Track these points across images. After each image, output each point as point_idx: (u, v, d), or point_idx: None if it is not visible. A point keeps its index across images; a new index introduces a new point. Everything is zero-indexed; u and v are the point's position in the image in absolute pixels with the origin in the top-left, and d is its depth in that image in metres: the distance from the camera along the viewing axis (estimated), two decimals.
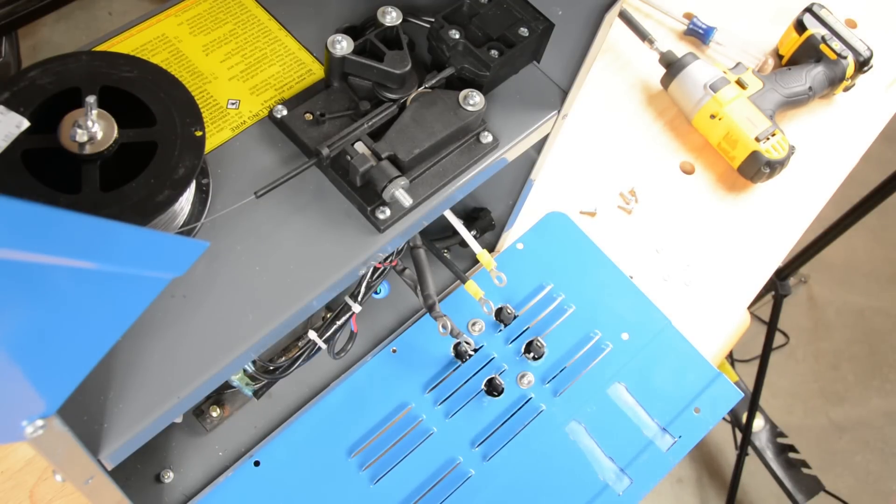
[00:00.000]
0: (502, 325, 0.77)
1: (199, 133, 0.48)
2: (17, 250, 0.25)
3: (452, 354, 0.75)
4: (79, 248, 0.28)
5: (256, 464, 0.68)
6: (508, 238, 0.82)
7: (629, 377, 0.76)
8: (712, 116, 0.93)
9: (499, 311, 0.77)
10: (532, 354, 0.76)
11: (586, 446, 0.73)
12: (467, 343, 0.74)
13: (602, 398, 0.75)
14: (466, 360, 0.74)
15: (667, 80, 0.97)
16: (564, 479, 0.71)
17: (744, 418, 1.51)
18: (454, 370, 0.74)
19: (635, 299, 0.81)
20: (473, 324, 0.77)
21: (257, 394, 0.67)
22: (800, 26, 1.00)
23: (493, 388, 0.74)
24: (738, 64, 0.97)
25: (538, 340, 0.76)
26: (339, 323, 0.65)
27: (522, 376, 0.75)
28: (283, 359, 0.65)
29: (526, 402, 0.74)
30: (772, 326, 1.56)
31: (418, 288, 0.68)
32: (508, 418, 0.73)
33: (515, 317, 0.77)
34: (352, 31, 0.58)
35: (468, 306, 0.77)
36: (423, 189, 0.55)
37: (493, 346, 0.76)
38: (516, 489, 0.70)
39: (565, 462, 0.72)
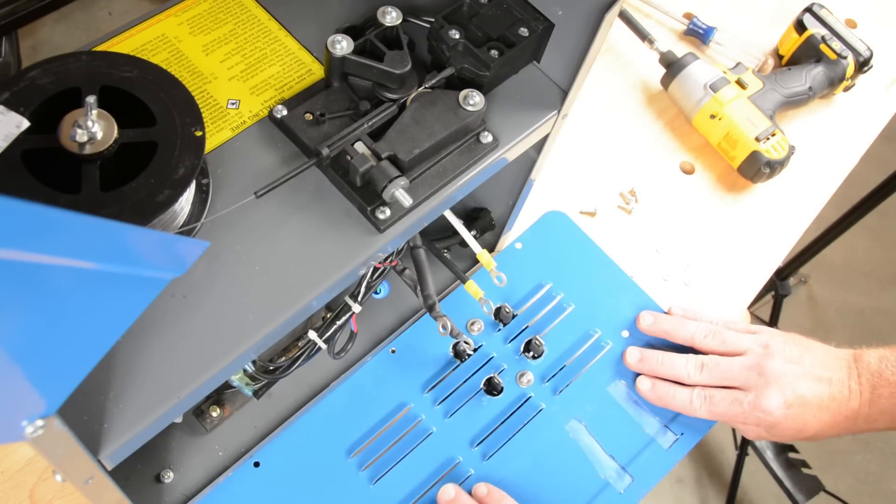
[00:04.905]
0: (501, 325, 0.77)
1: (199, 133, 0.48)
2: (17, 250, 0.25)
3: (451, 354, 0.75)
4: (79, 248, 0.28)
5: (256, 464, 0.68)
6: (508, 238, 0.82)
7: (630, 375, 0.76)
8: (712, 116, 0.93)
9: (497, 311, 0.77)
10: (531, 353, 0.76)
11: (587, 444, 0.73)
12: (466, 343, 0.74)
13: (602, 396, 0.75)
14: (465, 359, 0.74)
15: (667, 80, 0.97)
16: (565, 477, 0.71)
17: None
18: (453, 370, 0.74)
19: (636, 297, 0.81)
20: (472, 323, 0.77)
21: (257, 394, 0.67)
22: (800, 26, 1.00)
23: (492, 388, 0.73)
24: (738, 64, 0.97)
25: (537, 339, 0.76)
26: (339, 323, 0.65)
27: (522, 375, 0.75)
28: (283, 359, 0.65)
29: (525, 401, 0.74)
30: (772, 326, 1.56)
31: (418, 288, 0.68)
32: (508, 417, 0.73)
33: (514, 316, 0.77)
34: (352, 31, 0.58)
35: (468, 306, 0.77)
36: (423, 189, 0.55)
37: (492, 346, 0.76)
38: (516, 488, 0.70)
39: (566, 460, 0.72)
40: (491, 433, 0.72)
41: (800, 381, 0.71)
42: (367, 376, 0.73)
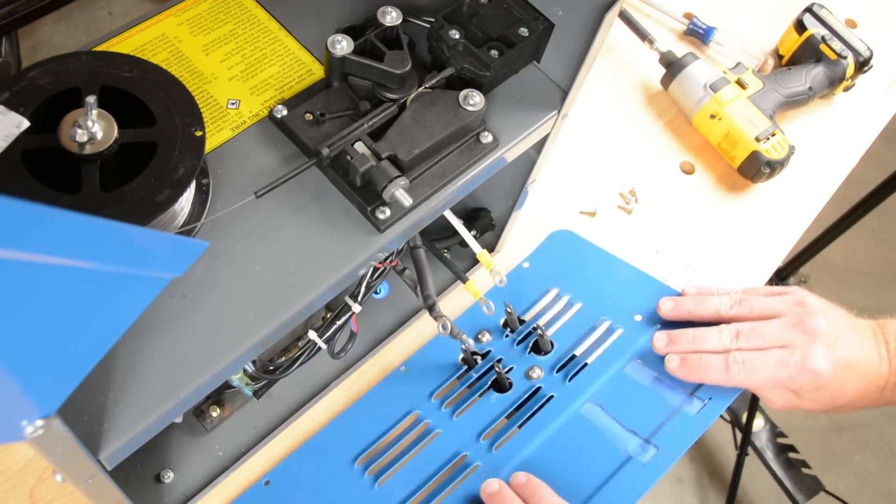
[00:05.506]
0: (508, 331, 0.76)
1: (199, 133, 0.48)
2: (18, 250, 0.25)
3: (460, 363, 0.74)
4: (79, 248, 0.28)
5: (267, 483, 0.68)
6: (509, 239, 0.82)
7: (647, 353, 0.74)
8: (712, 116, 0.93)
9: (505, 323, 0.77)
10: (541, 352, 0.75)
11: (604, 424, 0.70)
12: (469, 346, 0.73)
13: (618, 377, 0.73)
14: (475, 365, 0.74)
15: (667, 80, 0.97)
16: (582, 458, 0.69)
17: (744, 418, 1.51)
18: (461, 375, 0.73)
19: (647, 284, 0.79)
20: (481, 334, 0.76)
21: (257, 394, 0.67)
22: (800, 26, 1.00)
23: (500, 387, 0.73)
24: (738, 64, 0.97)
25: (541, 330, 0.74)
26: (339, 323, 0.65)
27: (531, 370, 0.74)
28: (283, 359, 0.65)
29: (535, 392, 0.72)
30: None
31: (418, 288, 0.68)
32: (516, 409, 0.71)
33: (522, 321, 0.76)
34: (352, 31, 0.58)
35: (476, 320, 0.77)
36: (423, 189, 0.55)
37: (501, 350, 0.75)
38: (529, 472, 0.67)
39: (582, 442, 0.69)
40: (498, 425, 0.70)
41: (840, 342, 0.67)
42: (378, 394, 0.73)
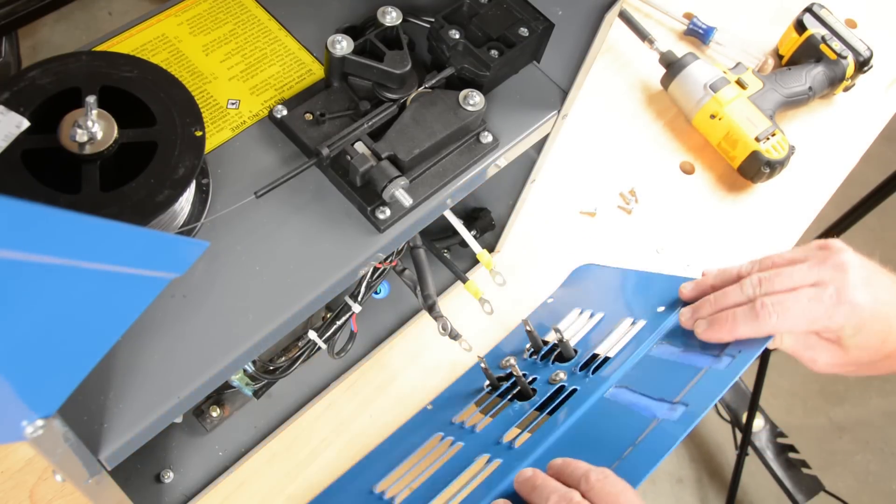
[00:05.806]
0: (532, 352, 0.76)
1: (199, 133, 0.48)
2: (18, 250, 0.25)
3: (486, 386, 0.73)
4: (79, 248, 0.28)
5: None
6: (509, 239, 0.82)
7: (673, 334, 0.71)
8: (712, 116, 0.93)
9: (528, 349, 0.76)
10: (564, 360, 0.73)
11: (631, 400, 0.66)
12: (468, 348, 0.73)
13: (641, 360, 0.70)
14: (500, 387, 0.73)
15: (667, 80, 0.97)
16: (610, 431, 0.65)
17: (744, 418, 1.51)
18: (482, 396, 0.72)
19: (668, 281, 0.77)
20: (505, 360, 0.76)
21: (257, 394, 0.67)
22: (800, 26, 1.00)
23: (524, 397, 0.71)
24: (738, 64, 0.97)
25: (562, 336, 0.72)
26: (339, 323, 0.65)
27: (554, 375, 0.71)
28: (283, 359, 0.65)
29: (556, 390, 0.70)
30: None
31: (418, 288, 0.68)
32: (536, 408, 0.69)
33: (545, 342, 0.75)
34: (352, 31, 0.58)
35: (501, 350, 0.77)
36: (423, 189, 0.55)
37: (524, 368, 0.74)
38: (555, 455, 0.64)
39: (608, 419, 0.66)
40: (518, 427, 0.68)
41: (875, 280, 0.61)
42: (404, 432, 0.72)
